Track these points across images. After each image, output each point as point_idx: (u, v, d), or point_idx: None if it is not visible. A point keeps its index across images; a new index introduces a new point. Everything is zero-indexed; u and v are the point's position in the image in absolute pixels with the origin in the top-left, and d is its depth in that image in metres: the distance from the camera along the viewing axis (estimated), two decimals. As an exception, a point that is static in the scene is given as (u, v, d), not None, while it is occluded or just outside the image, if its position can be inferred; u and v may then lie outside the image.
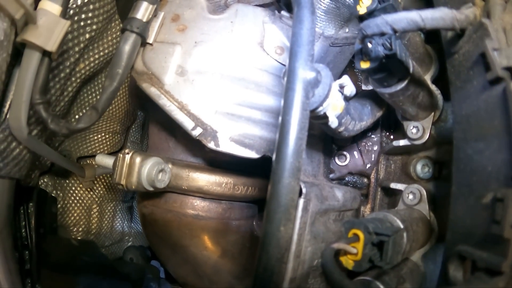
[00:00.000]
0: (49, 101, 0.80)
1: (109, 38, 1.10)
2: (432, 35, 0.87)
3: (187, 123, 0.75)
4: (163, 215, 0.92)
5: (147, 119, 1.45)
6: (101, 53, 1.08)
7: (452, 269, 0.53)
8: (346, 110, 0.68)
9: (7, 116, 0.81)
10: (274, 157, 0.53)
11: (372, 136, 0.99)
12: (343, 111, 0.66)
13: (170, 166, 0.84)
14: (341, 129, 0.72)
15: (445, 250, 0.58)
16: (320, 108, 0.60)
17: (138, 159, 0.79)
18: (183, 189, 0.87)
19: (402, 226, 0.66)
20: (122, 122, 1.34)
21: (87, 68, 1.06)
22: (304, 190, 0.67)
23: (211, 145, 0.74)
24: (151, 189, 0.81)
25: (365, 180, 1.03)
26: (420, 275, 0.84)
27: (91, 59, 1.07)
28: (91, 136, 1.28)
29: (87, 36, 0.99)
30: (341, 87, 0.62)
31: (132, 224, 1.47)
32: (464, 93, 0.56)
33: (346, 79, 0.62)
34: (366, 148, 1.00)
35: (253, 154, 0.76)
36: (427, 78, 0.87)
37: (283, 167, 0.51)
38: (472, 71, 0.54)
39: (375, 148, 0.99)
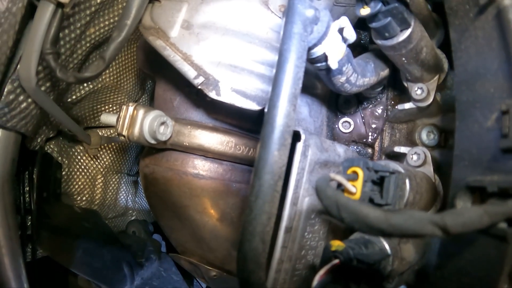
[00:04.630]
0: (59, 52, 0.83)
1: (119, 6, 1.12)
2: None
3: (190, 72, 0.76)
4: (163, 174, 0.93)
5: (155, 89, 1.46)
6: (111, 20, 1.11)
7: (460, 205, 0.51)
8: (347, 58, 0.68)
9: (17, 67, 0.84)
10: (271, 85, 0.53)
11: (377, 103, 0.98)
12: (344, 57, 0.66)
13: (172, 122, 0.85)
14: (343, 79, 0.72)
15: (451, 189, 0.56)
16: (319, 47, 0.61)
17: (141, 111, 0.80)
18: (185, 146, 0.87)
19: (403, 171, 0.64)
20: (130, 94, 1.36)
21: (97, 33, 1.09)
22: (303, 136, 0.66)
23: (212, 94, 0.75)
24: (152, 141, 0.82)
25: (369, 150, 1.02)
26: (423, 241, 0.82)
27: (101, 25, 1.09)
28: (98, 107, 1.30)
29: (98, 0, 1.02)
30: (340, 28, 0.62)
31: (137, 199, 1.48)
32: (462, 28, 0.56)
33: (344, 21, 0.62)
34: (371, 116, 0.99)
35: (254, 106, 0.76)
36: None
37: (279, 92, 0.51)
38: (468, 4, 0.54)
39: (380, 116, 0.98)
